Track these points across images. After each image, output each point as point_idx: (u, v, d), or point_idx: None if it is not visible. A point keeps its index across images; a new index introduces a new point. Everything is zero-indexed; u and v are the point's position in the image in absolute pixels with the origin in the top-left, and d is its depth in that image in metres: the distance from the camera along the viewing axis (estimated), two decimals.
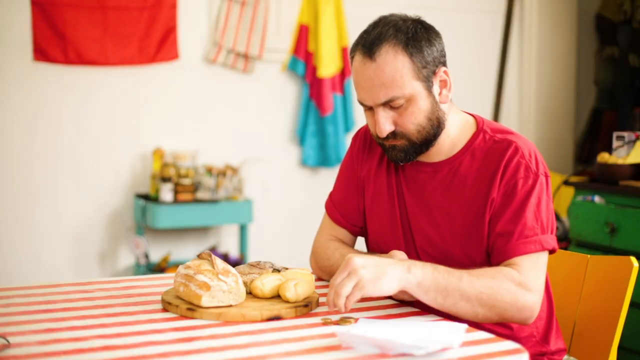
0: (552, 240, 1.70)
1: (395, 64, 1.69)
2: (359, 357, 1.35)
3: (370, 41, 1.71)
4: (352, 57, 1.77)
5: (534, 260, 1.67)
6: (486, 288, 1.60)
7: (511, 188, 1.71)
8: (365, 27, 1.77)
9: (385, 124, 1.72)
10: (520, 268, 1.65)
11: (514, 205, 1.70)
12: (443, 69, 1.76)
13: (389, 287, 1.55)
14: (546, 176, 1.74)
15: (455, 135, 1.80)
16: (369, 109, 1.76)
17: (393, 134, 1.74)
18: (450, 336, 1.41)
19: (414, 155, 1.77)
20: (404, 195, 1.84)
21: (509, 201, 1.70)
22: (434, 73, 1.74)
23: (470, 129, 1.81)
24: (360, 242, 2.01)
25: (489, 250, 1.73)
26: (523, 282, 1.63)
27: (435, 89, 1.75)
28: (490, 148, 1.77)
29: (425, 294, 1.57)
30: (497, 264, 1.69)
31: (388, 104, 1.71)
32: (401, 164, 1.80)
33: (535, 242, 1.67)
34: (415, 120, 1.72)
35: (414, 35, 1.71)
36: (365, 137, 1.96)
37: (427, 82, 1.73)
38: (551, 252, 1.71)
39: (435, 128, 1.76)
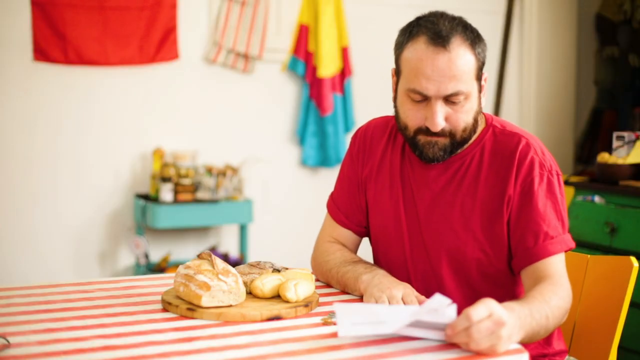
0: (571, 240, 1.73)
1: (466, 58, 1.69)
2: (358, 357, 1.35)
3: (444, 32, 1.68)
4: (408, 44, 1.72)
5: (562, 261, 1.70)
6: (560, 312, 1.61)
7: (528, 186, 1.72)
8: (423, 16, 1.74)
9: (441, 118, 1.70)
10: (557, 275, 1.66)
11: (535, 204, 1.71)
12: (485, 75, 1.78)
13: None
14: (558, 174, 1.76)
15: None
16: (420, 101, 1.72)
17: (441, 131, 1.72)
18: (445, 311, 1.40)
19: (449, 155, 1.77)
20: (414, 192, 1.83)
21: (528, 200, 1.71)
22: (482, 75, 1.77)
23: (480, 125, 1.82)
24: (364, 243, 2.00)
25: (513, 250, 1.73)
26: (568, 291, 1.66)
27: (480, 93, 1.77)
28: (500, 141, 1.78)
29: (521, 341, 1.51)
30: (525, 264, 1.70)
31: (449, 98, 1.69)
32: (432, 162, 1.77)
33: (561, 242, 1.70)
34: (466, 118, 1.72)
35: (478, 36, 1.74)
36: (364, 137, 1.96)
37: (480, 83, 1.75)
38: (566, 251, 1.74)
39: (474, 130, 1.77)
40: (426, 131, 1.73)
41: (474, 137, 1.80)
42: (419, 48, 1.70)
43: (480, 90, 1.76)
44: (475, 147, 1.80)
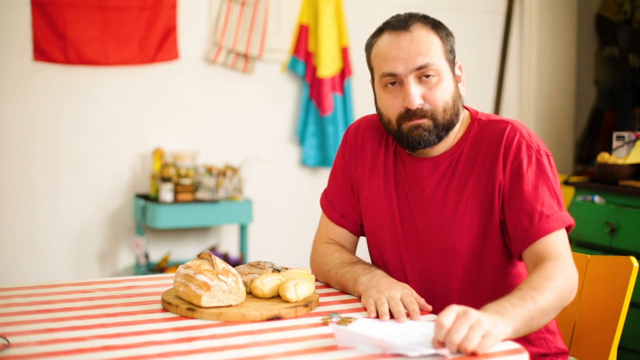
0: (569, 217, 1.72)
1: (429, 38, 1.75)
2: (358, 357, 1.35)
3: (403, 19, 1.77)
4: (375, 41, 1.80)
5: (561, 237, 1.69)
6: (554, 292, 1.58)
7: (517, 168, 1.72)
8: (386, 20, 1.82)
9: (416, 94, 1.73)
10: (554, 249, 1.66)
11: (525, 185, 1.70)
12: (459, 63, 1.82)
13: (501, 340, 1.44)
14: (547, 154, 1.76)
15: (454, 130, 1.82)
16: (394, 84, 1.76)
17: (421, 111, 1.74)
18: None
19: (436, 139, 1.76)
20: (407, 191, 1.83)
21: (519, 183, 1.71)
22: (454, 62, 1.80)
23: (465, 120, 1.84)
24: (361, 243, 2.00)
25: (511, 235, 1.72)
26: (567, 263, 1.65)
27: (455, 78, 1.80)
28: (486, 130, 1.79)
29: (516, 335, 1.49)
30: (524, 246, 1.69)
31: (420, 74, 1.73)
32: (420, 147, 1.77)
33: (558, 220, 1.69)
34: (443, 97, 1.75)
35: (440, 23, 1.80)
36: (356, 135, 1.96)
37: (452, 66, 1.79)
38: (567, 228, 1.72)
39: (456, 113, 1.78)
40: (407, 115, 1.75)
41: (459, 130, 1.81)
42: (383, 40, 1.78)
43: (454, 75, 1.79)
44: (464, 142, 1.80)
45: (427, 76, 1.74)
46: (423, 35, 1.75)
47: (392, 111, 1.77)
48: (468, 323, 1.36)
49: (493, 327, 1.38)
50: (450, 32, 1.82)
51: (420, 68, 1.73)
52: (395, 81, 1.76)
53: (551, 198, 1.70)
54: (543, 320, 1.57)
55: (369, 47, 1.83)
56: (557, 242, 1.67)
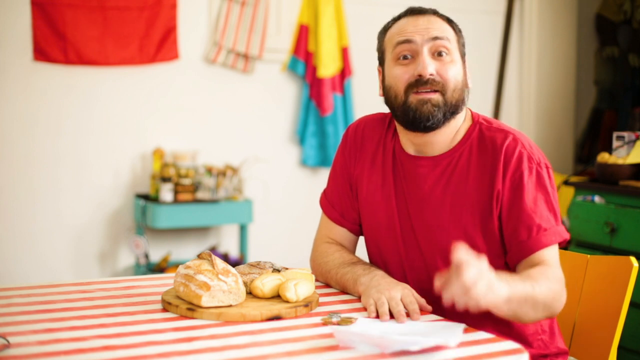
0: (565, 231, 1.74)
1: (444, 26, 1.80)
2: (358, 357, 1.35)
3: (418, 8, 1.83)
4: (391, 25, 1.84)
5: (555, 252, 1.71)
6: (549, 288, 1.61)
7: (517, 180, 1.72)
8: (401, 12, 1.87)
9: (430, 64, 1.75)
10: (549, 263, 1.68)
11: (525, 197, 1.71)
12: (466, 59, 1.84)
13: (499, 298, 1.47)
14: (547, 167, 1.76)
15: (455, 125, 1.82)
16: (407, 59, 1.77)
17: (432, 82, 1.74)
18: (447, 336, 1.41)
19: (442, 118, 1.76)
20: (404, 190, 1.83)
21: (519, 194, 1.71)
22: (464, 57, 1.83)
23: (467, 122, 1.84)
24: (361, 243, 2.00)
25: (507, 245, 1.73)
26: (560, 278, 1.67)
27: (465, 69, 1.83)
28: (487, 137, 1.79)
29: (507, 308, 1.51)
30: (520, 258, 1.70)
31: (435, 49, 1.76)
32: (428, 124, 1.75)
33: (554, 234, 1.70)
34: (454, 75, 1.77)
35: (453, 20, 1.85)
36: (355, 134, 1.95)
37: (463, 58, 1.82)
38: (560, 243, 1.74)
39: (462, 99, 1.79)
40: (416, 84, 1.75)
41: (460, 131, 1.81)
42: (400, 22, 1.82)
43: (464, 63, 1.82)
44: (464, 144, 1.80)
45: (440, 54, 1.76)
46: (439, 22, 1.80)
47: (402, 81, 1.77)
48: (477, 268, 1.39)
49: (488, 276, 1.42)
50: (462, 33, 1.85)
51: (435, 38, 1.76)
52: (408, 54, 1.77)
53: (548, 212, 1.72)
54: (531, 311, 1.59)
55: (384, 32, 1.86)
56: (551, 256, 1.70)
